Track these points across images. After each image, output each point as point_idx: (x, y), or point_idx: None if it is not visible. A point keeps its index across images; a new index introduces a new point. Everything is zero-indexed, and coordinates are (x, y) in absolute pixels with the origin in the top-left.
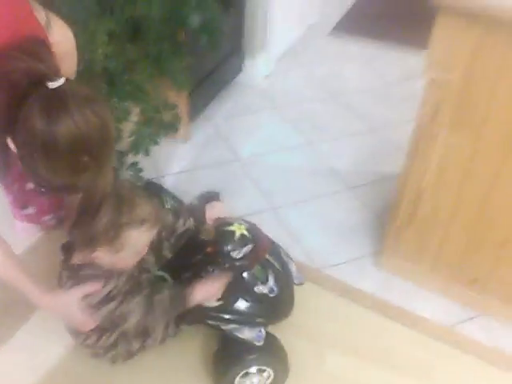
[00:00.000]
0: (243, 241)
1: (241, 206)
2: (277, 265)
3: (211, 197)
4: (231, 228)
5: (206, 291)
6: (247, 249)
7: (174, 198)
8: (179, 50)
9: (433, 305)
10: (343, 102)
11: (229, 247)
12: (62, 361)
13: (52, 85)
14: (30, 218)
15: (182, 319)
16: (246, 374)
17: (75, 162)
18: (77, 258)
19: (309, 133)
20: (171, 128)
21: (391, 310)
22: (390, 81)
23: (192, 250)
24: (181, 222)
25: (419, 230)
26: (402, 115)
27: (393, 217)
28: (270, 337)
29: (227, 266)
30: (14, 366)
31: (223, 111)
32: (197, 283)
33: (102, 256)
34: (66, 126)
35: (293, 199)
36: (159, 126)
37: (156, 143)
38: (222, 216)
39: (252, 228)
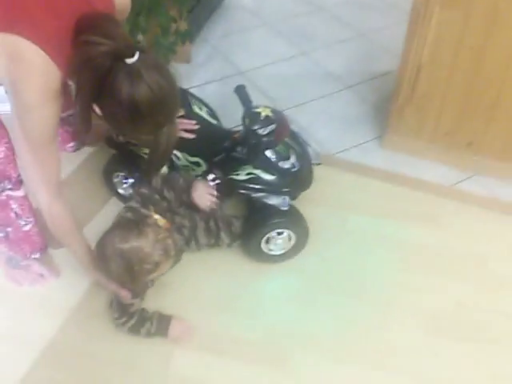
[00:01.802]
0: (268, 120)
1: None
2: (296, 145)
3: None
4: (257, 110)
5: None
6: (271, 127)
7: (204, 103)
8: None
9: (434, 171)
10: (330, 14)
11: (255, 126)
12: None
13: (130, 61)
14: None
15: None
16: (270, 238)
17: (154, 121)
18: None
19: (302, 44)
20: (187, 35)
21: (398, 178)
22: None
23: (219, 139)
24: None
25: (419, 106)
26: (387, 21)
27: (395, 97)
28: (291, 206)
29: (254, 142)
30: None
31: (218, 32)
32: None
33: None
34: (145, 93)
35: (297, 102)
36: (176, 35)
37: (174, 52)
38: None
39: (275, 111)
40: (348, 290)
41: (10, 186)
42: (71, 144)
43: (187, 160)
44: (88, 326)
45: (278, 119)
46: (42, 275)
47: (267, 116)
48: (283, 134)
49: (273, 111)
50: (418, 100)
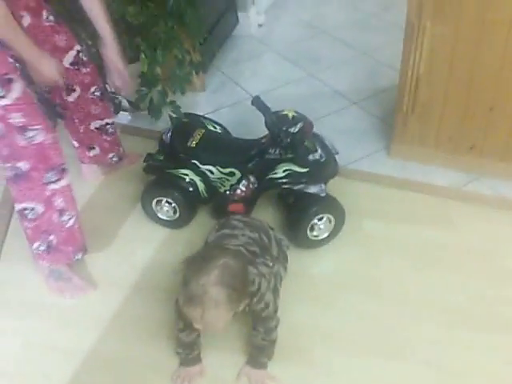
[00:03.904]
0: (295, 120)
1: (265, 132)
2: (317, 139)
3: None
4: (284, 112)
5: None
6: (300, 125)
7: (215, 122)
8: (193, 2)
9: (441, 175)
10: (332, 36)
11: (286, 126)
12: None
13: None
14: (96, 159)
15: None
16: (313, 225)
17: None
18: None
19: (308, 66)
20: (200, 66)
21: (408, 184)
22: (370, 13)
23: (246, 147)
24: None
25: (421, 115)
26: (387, 38)
27: (398, 108)
28: (328, 194)
29: (288, 140)
30: None
31: (229, 60)
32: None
33: None
34: None
35: None
36: (191, 66)
37: (189, 81)
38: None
39: (297, 112)
40: (365, 289)
41: (54, 178)
42: (111, 155)
43: (221, 172)
44: (125, 334)
45: (302, 118)
46: (81, 288)
47: (293, 116)
48: (309, 129)
49: (295, 112)
50: (419, 109)
